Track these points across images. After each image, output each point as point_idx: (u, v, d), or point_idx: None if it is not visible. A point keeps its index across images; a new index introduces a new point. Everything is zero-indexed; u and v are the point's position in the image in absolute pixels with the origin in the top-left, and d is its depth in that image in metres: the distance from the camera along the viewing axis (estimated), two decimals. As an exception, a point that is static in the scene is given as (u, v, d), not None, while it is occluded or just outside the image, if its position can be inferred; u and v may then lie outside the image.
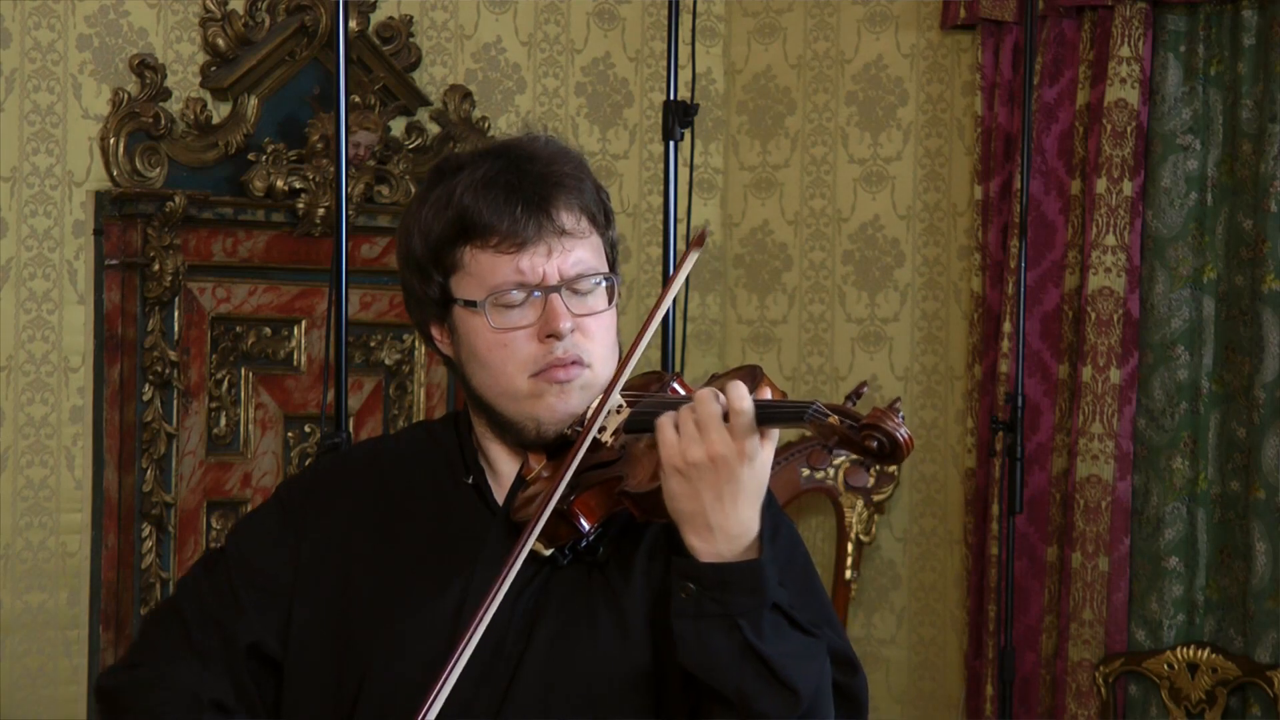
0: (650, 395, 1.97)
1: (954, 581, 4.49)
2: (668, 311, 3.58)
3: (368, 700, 1.97)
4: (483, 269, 1.96)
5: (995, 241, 4.34)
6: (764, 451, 1.84)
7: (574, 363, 1.96)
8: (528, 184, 1.96)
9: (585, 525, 1.93)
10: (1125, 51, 4.14)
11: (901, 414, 1.76)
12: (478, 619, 1.88)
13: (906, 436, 1.75)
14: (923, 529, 4.57)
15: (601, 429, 1.95)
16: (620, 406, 1.96)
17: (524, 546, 1.89)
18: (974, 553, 4.36)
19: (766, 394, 1.87)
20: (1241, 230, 4.09)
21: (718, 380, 1.92)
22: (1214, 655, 4.06)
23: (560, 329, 1.94)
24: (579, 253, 1.97)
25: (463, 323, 1.99)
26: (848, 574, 4.47)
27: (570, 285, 1.96)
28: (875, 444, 1.75)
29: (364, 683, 1.98)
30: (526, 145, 2.01)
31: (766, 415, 1.82)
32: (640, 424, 1.93)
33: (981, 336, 4.36)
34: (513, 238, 1.94)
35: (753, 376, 1.90)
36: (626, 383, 1.99)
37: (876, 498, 4.50)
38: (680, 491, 1.84)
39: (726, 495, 1.82)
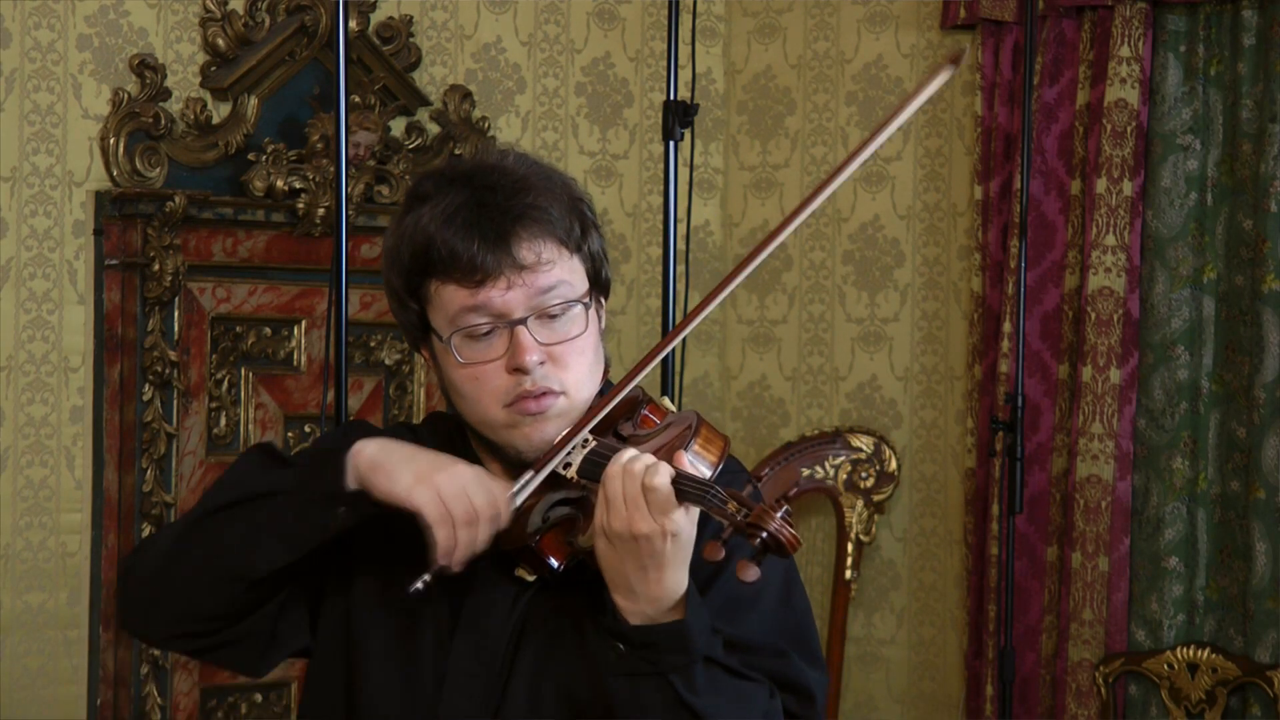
0: (607, 441, 1.93)
1: (954, 581, 4.49)
2: (666, 310, 3.58)
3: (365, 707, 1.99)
4: (447, 303, 1.95)
5: (995, 241, 4.34)
6: (686, 522, 1.83)
7: (544, 394, 1.94)
8: (486, 219, 1.93)
9: (554, 563, 1.92)
10: (1125, 51, 4.13)
11: (785, 510, 1.73)
12: None
13: (790, 536, 1.72)
14: (923, 529, 4.57)
15: (567, 465, 1.93)
16: (586, 441, 1.93)
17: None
18: (974, 553, 4.35)
19: (688, 461, 1.85)
20: (1241, 230, 4.09)
21: (666, 426, 1.92)
22: (1214, 655, 4.05)
23: (525, 363, 1.92)
24: (545, 280, 1.94)
25: (439, 354, 1.99)
26: (848, 574, 4.47)
27: (539, 313, 1.94)
28: (759, 541, 1.73)
29: (353, 692, 2.00)
30: (491, 173, 1.97)
31: (678, 492, 1.81)
32: (589, 472, 1.91)
33: (981, 336, 4.36)
34: (472, 273, 1.92)
35: (688, 429, 1.88)
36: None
37: (876, 498, 4.50)
38: (604, 553, 1.85)
39: (650, 567, 1.82)
